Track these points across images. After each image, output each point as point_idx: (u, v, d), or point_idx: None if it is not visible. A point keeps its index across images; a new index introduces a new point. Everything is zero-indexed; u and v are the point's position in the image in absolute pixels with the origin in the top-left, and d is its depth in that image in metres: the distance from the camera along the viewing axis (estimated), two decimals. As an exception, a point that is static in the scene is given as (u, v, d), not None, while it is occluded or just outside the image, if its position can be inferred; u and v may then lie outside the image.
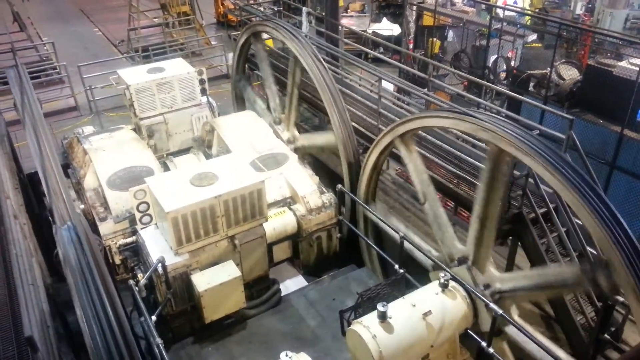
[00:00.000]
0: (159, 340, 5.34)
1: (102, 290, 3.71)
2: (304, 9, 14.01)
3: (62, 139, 10.53)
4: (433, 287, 5.85)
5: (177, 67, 10.41)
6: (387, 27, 21.87)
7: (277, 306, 7.46)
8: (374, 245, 7.86)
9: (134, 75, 10.05)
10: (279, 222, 8.13)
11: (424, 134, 7.81)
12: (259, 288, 7.68)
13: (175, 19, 18.88)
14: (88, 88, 12.63)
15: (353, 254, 8.66)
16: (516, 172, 6.43)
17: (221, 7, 22.07)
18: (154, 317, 6.06)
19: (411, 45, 19.80)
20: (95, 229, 7.91)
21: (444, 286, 5.78)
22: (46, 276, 6.94)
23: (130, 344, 3.52)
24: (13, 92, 8.29)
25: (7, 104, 10.89)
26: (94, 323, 3.55)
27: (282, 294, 7.68)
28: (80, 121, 12.51)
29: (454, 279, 5.96)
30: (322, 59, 8.62)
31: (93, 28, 22.12)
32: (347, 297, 7.27)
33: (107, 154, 8.97)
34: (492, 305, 5.54)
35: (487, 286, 5.97)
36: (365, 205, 7.92)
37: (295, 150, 9.55)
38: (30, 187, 9.63)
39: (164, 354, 5.23)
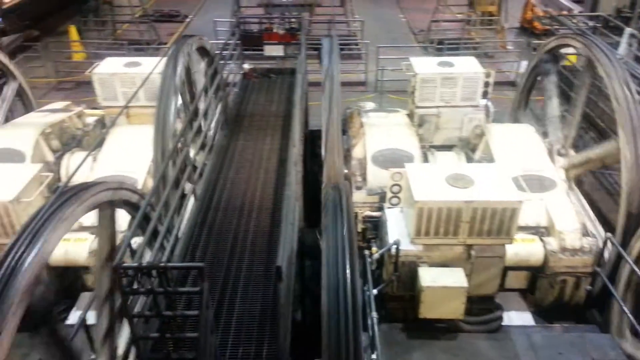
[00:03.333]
0: (374, 314, 5.61)
1: (347, 250, 4.06)
2: (627, 30, 12.28)
3: (345, 108, 11.69)
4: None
5: (466, 65, 10.37)
6: None
7: (495, 333, 7.01)
8: (630, 316, 6.62)
9: (424, 65, 10.40)
10: (523, 249, 7.53)
11: None
12: (481, 307, 7.31)
13: (478, 17, 18.73)
14: (380, 68, 13.65)
15: (599, 314, 7.49)
16: None
17: (530, 12, 20.93)
18: (375, 291, 6.36)
19: None
20: (349, 194, 8.64)
21: None
22: (301, 220, 7.92)
23: (356, 303, 3.81)
24: (322, 59, 9.50)
25: (314, 67, 12.59)
26: (332, 275, 3.94)
27: (502, 323, 7.18)
28: (365, 96, 13.66)
29: None
30: (633, 88, 7.48)
31: (399, 14, 23.58)
32: (577, 358, 6.37)
33: (379, 131, 9.61)
34: None
35: None
36: (637, 268, 6.69)
37: (567, 171, 8.66)
38: (310, 141, 11.06)
39: (376, 327, 5.48)
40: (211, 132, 8.69)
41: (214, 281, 5.85)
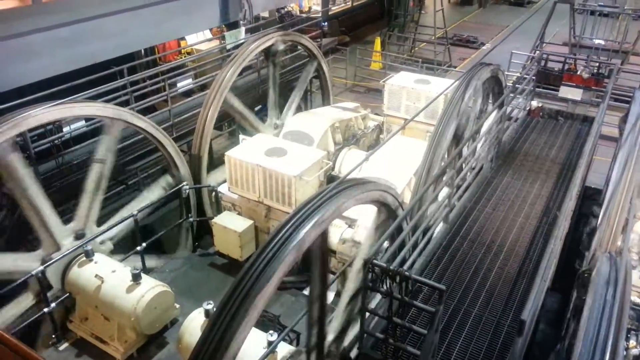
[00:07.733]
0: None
1: (612, 338, 3.49)
2: None
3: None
4: None
5: None
6: None
7: None
8: None
9: None
10: None
11: None
12: None
13: None
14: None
15: None
16: None
17: None
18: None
19: None
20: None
21: None
22: (550, 279, 7.20)
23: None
24: (630, 111, 8.37)
25: (608, 119, 11.15)
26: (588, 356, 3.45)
27: None
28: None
29: None
30: None
31: None
32: None
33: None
34: None
35: None
36: None
37: None
38: (581, 198, 9.91)
39: None
40: (479, 161, 8.56)
41: (444, 306, 5.79)
